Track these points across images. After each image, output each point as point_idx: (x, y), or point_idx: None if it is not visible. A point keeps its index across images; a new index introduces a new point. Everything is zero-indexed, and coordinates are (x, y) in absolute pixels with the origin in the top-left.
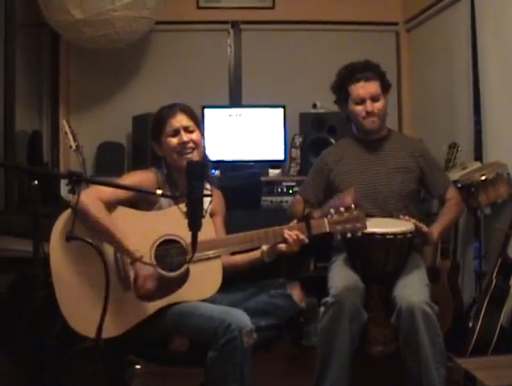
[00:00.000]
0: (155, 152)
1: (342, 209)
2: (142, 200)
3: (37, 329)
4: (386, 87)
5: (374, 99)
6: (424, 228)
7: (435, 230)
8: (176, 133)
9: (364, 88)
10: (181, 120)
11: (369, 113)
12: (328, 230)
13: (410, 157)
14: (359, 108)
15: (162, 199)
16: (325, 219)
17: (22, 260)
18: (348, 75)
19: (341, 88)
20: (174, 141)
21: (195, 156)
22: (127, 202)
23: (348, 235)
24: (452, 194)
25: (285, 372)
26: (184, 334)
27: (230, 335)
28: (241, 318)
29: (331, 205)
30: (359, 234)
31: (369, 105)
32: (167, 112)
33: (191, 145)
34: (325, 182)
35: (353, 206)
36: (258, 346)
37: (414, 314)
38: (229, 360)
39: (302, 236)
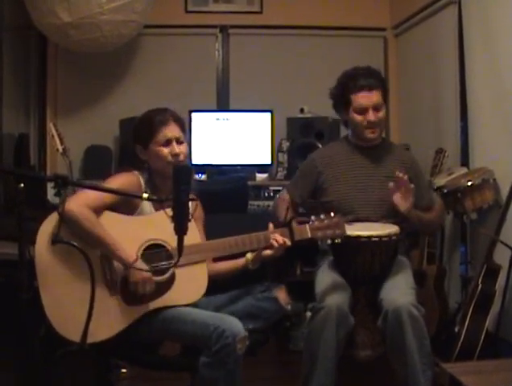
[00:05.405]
0: (138, 155)
1: (322, 216)
2: (123, 204)
3: (23, 333)
4: (386, 95)
5: (377, 109)
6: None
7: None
8: (168, 143)
9: (367, 98)
10: (174, 130)
11: (370, 123)
12: (309, 236)
13: (401, 166)
14: (360, 117)
15: (143, 204)
16: (307, 226)
17: (8, 264)
18: (351, 82)
19: (342, 95)
20: (165, 151)
21: None
22: (110, 206)
23: (329, 241)
24: (437, 202)
25: (272, 377)
26: (176, 340)
27: (224, 342)
28: (235, 324)
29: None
30: (339, 240)
31: (371, 115)
32: (159, 118)
33: (181, 157)
34: (314, 184)
35: (332, 213)
36: (244, 350)
37: (401, 315)
38: (221, 366)
39: (287, 241)
